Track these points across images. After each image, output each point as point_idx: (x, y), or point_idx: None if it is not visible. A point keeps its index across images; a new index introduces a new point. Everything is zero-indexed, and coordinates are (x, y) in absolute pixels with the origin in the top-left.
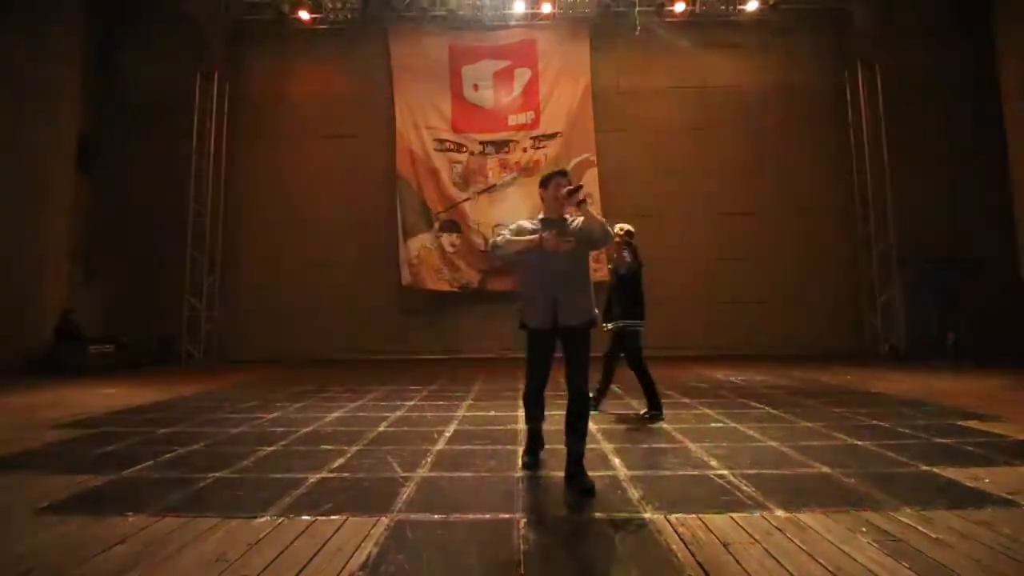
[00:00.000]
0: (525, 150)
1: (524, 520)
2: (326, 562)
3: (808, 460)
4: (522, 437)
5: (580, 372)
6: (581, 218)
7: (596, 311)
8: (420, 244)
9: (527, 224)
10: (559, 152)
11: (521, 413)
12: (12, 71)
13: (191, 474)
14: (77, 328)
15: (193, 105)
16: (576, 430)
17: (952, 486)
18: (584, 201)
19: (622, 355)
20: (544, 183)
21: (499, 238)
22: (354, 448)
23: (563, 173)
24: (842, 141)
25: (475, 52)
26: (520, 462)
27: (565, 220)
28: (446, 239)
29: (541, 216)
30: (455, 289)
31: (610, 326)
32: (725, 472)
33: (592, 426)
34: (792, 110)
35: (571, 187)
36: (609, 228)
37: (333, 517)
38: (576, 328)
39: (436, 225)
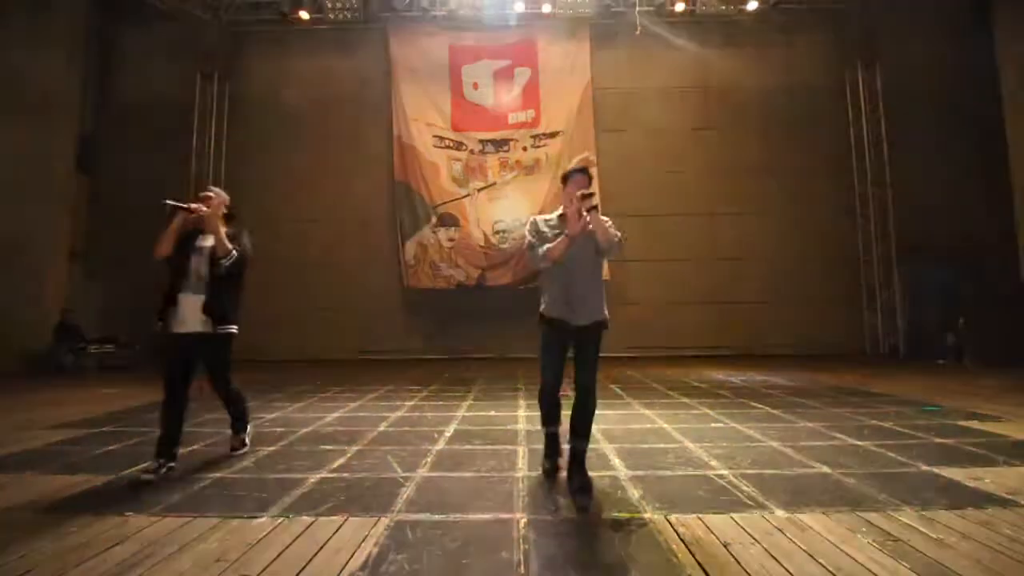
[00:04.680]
0: (525, 149)
1: (524, 520)
2: (326, 562)
3: (808, 460)
4: (522, 437)
5: (590, 370)
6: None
7: (607, 313)
8: (417, 242)
9: (542, 223)
10: (560, 150)
11: (522, 413)
12: (13, 71)
13: (191, 474)
14: (77, 328)
15: (193, 105)
16: (580, 428)
17: (952, 486)
18: (594, 208)
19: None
20: (565, 179)
21: (539, 249)
22: (354, 448)
23: (584, 171)
24: (842, 141)
25: (475, 51)
26: (541, 468)
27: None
28: (443, 233)
29: (560, 212)
30: (452, 287)
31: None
32: (725, 472)
33: (592, 426)
34: (792, 110)
35: (584, 191)
36: (615, 238)
37: (333, 517)
38: (587, 327)
39: (433, 219)
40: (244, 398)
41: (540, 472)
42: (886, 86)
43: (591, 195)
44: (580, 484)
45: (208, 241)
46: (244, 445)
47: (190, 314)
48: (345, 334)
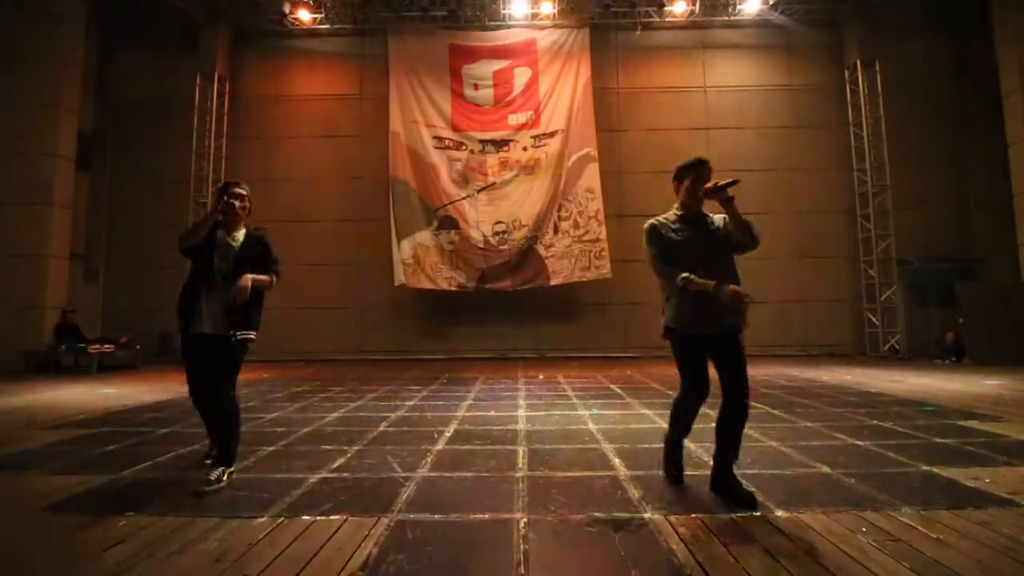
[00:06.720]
0: (525, 148)
1: (524, 520)
2: (326, 562)
3: (808, 460)
4: (522, 437)
5: (744, 378)
6: (721, 216)
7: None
8: (417, 243)
9: (664, 229)
10: (560, 150)
11: (522, 413)
12: (13, 71)
13: (191, 474)
14: (77, 328)
15: (193, 105)
16: (734, 440)
17: (952, 486)
18: (732, 199)
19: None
20: (680, 175)
21: (675, 281)
22: (354, 448)
23: (703, 163)
24: (842, 141)
25: (475, 52)
26: (669, 474)
27: (705, 216)
28: (444, 236)
29: (677, 212)
30: (453, 288)
31: (252, 334)
32: None
33: (592, 426)
34: (792, 110)
35: (720, 183)
36: (757, 231)
37: (333, 517)
38: (733, 333)
39: (435, 223)
40: (239, 423)
41: (543, 474)
42: (886, 86)
43: (729, 184)
44: (739, 496)
45: (232, 239)
46: (220, 482)
47: (212, 314)
48: (345, 334)
